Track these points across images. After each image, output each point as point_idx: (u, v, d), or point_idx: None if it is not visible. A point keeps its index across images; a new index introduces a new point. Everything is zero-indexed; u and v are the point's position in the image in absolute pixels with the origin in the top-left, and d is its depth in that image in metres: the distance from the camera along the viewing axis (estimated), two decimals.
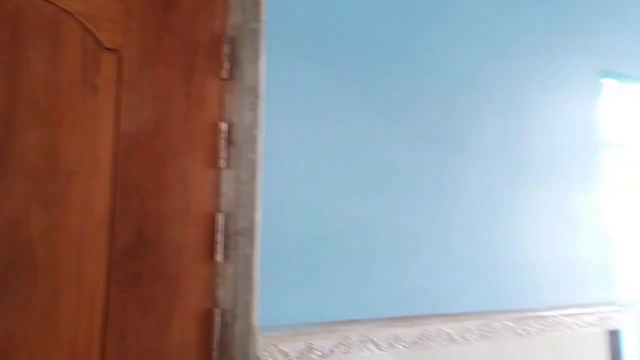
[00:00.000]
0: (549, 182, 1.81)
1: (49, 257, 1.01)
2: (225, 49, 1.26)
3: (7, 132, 1.00)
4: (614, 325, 1.81)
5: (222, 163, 1.23)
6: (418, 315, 1.41)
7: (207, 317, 1.17)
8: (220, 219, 1.21)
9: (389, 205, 1.45)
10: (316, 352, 1.23)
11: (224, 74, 1.26)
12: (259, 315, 1.21)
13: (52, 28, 1.07)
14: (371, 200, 1.42)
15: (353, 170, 1.40)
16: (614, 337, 1.80)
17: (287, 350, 1.20)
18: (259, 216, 1.25)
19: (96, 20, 1.12)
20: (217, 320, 1.17)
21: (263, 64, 1.30)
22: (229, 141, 1.24)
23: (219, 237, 1.20)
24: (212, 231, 1.20)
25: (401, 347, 1.35)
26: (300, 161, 1.33)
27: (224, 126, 1.24)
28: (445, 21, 1.65)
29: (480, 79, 1.70)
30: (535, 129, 1.82)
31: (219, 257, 1.19)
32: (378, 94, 1.48)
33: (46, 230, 1.01)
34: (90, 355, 1.03)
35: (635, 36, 2.22)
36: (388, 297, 1.39)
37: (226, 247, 1.21)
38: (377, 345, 1.32)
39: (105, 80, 1.12)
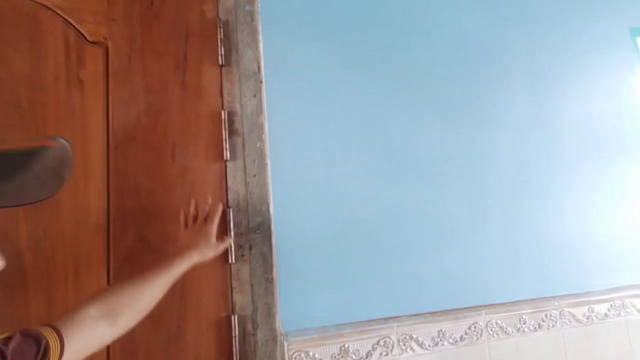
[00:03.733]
0: (590, 153, 1.62)
1: (41, 268, 0.90)
2: (220, 34, 1.17)
3: None
4: None
5: (227, 155, 1.12)
6: (463, 308, 1.25)
7: (224, 326, 1.04)
8: (230, 215, 1.09)
9: (415, 189, 1.30)
10: (352, 355, 1.08)
11: (220, 60, 1.16)
12: (282, 319, 1.08)
13: (30, 24, 1.00)
14: (396, 185, 1.28)
15: (372, 153, 1.27)
16: None
17: (318, 355, 1.06)
18: (273, 210, 1.13)
19: (77, 13, 1.04)
20: (236, 328, 1.04)
21: (261, 46, 1.20)
22: (232, 131, 1.14)
23: (231, 236, 1.08)
24: (222, 230, 1.08)
25: (447, 344, 1.19)
26: (313, 148, 1.21)
27: (225, 115, 1.13)
28: None
29: (503, 46, 1.56)
30: (567, 96, 1.65)
31: (232, 257, 1.07)
32: (391, 68, 1.35)
33: (36, 240, 0.91)
34: None
35: None
36: (426, 290, 1.23)
37: (239, 247, 1.09)
38: (420, 343, 1.15)
39: (92, 75, 1.03)
